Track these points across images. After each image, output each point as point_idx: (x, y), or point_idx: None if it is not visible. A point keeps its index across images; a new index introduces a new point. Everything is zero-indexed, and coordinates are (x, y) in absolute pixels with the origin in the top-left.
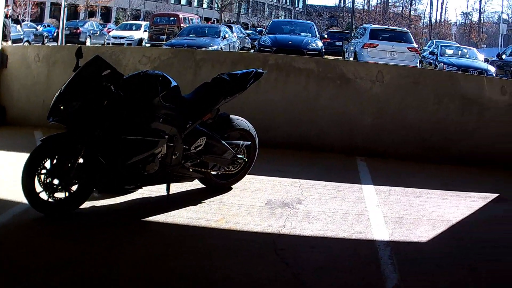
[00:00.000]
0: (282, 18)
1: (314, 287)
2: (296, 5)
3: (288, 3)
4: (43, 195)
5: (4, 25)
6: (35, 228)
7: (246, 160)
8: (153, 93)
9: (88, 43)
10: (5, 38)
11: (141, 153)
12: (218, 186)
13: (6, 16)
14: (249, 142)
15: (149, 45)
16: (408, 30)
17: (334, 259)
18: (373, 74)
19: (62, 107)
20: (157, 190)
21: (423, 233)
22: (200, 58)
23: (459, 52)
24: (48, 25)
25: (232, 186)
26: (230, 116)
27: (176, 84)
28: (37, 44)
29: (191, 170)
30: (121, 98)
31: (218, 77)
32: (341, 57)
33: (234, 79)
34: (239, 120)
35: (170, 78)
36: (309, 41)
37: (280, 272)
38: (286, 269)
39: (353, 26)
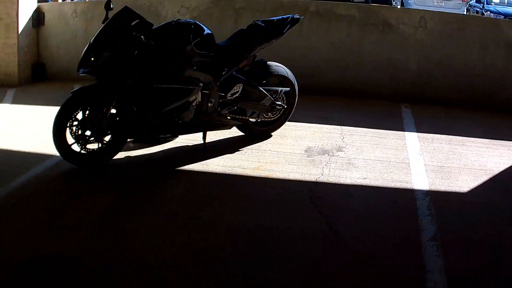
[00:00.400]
0: None
1: (348, 237)
2: None
3: None
4: (75, 147)
5: None
6: (68, 180)
7: (286, 106)
8: (185, 41)
9: None
10: None
11: (175, 101)
12: (257, 133)
13: None
14: (288, 89)
15: None
16: None
17: (370, 208)
18: (416, 20)
19: (92, 59)
20: (194, 139)
21: (464, 183)
22: (240, 6)
23: (505, 0)
24: None
25: (272, 134)
26: (268, 62)
27: (209, 31)
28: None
29: (228, 117)
30: (152, 48)
31: (253, 24)
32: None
33: (269, 25)
34: (277, 67)
35: (203, 26)
36: None
37: (315, 221)
38: (320, 218)
39: None
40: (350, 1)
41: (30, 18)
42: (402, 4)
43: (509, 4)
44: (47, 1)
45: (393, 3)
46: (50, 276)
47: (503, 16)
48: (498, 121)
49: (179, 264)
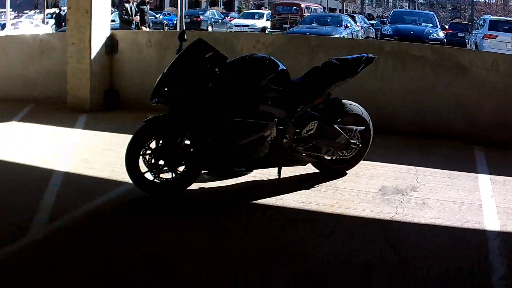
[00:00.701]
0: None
1: (420, 273)
2: None
3: None
4: (148, 176)
5: (143, 11)
6: (138, 208)
7: (360, 145)
8: (260, 75)
9: (209, 29)
10: (144, 24)
11: (249, 135)
12: (332, 170)
13: (144, 3)
14: (363, 128)
15: (272, 33)
16: None
17: (442, 247)
18: (489, 62)
19: (165, 89)
20: (269, 173)
21: None
22: (315, 44)
23: None
24: (168, 14)
25: (347, 172)
26: (343, 100)
27: (284, 67)
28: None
29: (303, 154)
30: (227, 80)
31: (328, 62)
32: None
33: (345, 64)
34: (352, 105)
35: (277, 62)
36: (430, 31)
37: (387, 256)
38: (393, 254)
39: (473, 18)
40: (425, 43)
41: (103, 45)
42: (476, 47)
43: None
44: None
45: (468, 46)
46: None
47: None
48: None
49: None
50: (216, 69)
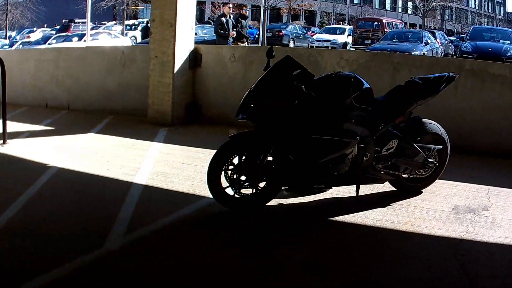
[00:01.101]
0: (485, 25)
1: None
2: (497, 13)
3: (489, 10)
4: (229, 191)
5: (242, 25)
6: (217, 222)
7: (437, 164)
8: (345, 94)
9: (291, 46)
10: (241, 39)
11: (331, 153)
12: (408, 189)
13: (244, 17)
14: (441, 147)
15: (353, 49)
16: None
17: (509, 265)
18: None
19: (252, 105)
20: (347, 191)
21: None
22: (397, 61)
23: None
24: (250, 27)
25: (423, 190)
26: (423, 119)
27: (368, 86)
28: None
29: (382, 172)
30: (312, 98)
31: (411, 80)
32: None
33: (426, 83)
34: (432, 124)
35: (362, 80)
36: (509, 48)
37: (456, 276)
38: (462, 273)
39: None
40: (502, 60)
41: (186, 58)
42: None
43: None
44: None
45: None
46: None
47: None
48: None
49: None
50: (303, 86)
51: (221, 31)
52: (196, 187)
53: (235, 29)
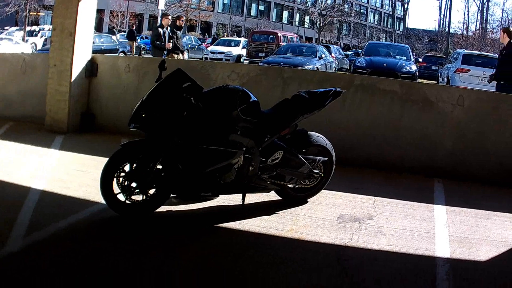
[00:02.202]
0: (383, 40)
1: None
2: (396, 28)
3: (389, 26)
4: (121, 197)
5: (177, 37)
6: (109, 227)
7: (323, 175)
8: (232, 106)
9: (185, 57)
10: (177, 50)
11: (218, 162)
12: (294, 198)
13: (179, 28)
14: (326, 158)
15: (247, 61)
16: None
17: (393, 272)
18: (455, 97)
19: (143, 115)
20: (234, 199)
21: (484, 253)
22: (288, 76)
23: None
24: (146, 37)
25: (308, 200)
26: (309, 132)
27: (255, 99)
28: (128, 56)
29: (268, 182)
30: (201, 110)
31: (297, 95)
32: (436, 81)
33: (313, 97)
34: (317, 137)
35: (249, 93)
36: (404, 64)
37: (339, 281)
38: (345, 279)
39: (448, 51)
40: (397, 76)
41: (83, 68)
42: (448, 81)
43: None
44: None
45: (440, 79)
46: None
47: None
48: None
49: None
50: (192, 98)
51: (157, 42)
52: (90, 193)
53: (171, 41)
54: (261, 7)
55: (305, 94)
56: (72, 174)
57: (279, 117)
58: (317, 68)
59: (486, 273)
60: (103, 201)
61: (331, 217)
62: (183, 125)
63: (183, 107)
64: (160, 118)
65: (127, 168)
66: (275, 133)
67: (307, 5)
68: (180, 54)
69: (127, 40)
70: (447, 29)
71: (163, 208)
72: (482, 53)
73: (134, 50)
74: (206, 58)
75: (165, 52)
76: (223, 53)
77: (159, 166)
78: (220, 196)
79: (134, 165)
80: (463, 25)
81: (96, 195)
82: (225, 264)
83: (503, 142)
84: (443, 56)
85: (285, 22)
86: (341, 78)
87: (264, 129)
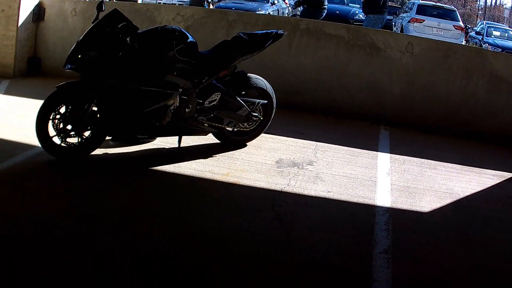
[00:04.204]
0: None
1: (300, 244)
2: None
3: None
4: (56, 140)
5: None
6: (45, 170)
7: (262, 118)
8: (168, 46)
9: (139, 1)
10: None
11: (153, 104)
12: (232, 142)
13: None
14: (266, 101)
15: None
16: (455, 8)
17: (329, 219)
18: (403, 45)
19: (79, 56)
20: (172, 142)
21: (427, 203)
22: (233, 19)
23: (506, 34)
24: None
25: (248, 144)
26: (248, 74)
27: (193, 40)
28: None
29: (205, 124)
30: (136, 50)
31: (237, 36)
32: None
33: (253, 38)
34: (257, 79)
35: (187, 34)
36: (357, 12)
37: (272, 227)
38: (278, 224)
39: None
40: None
41: (31, 12)
42: (402, 30)
43: (509, 38)
44: None
45: (394, 29)
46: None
47: (501, 49)
48: (474, 150)
49: (140, 252)
50: (127, 39)
51: None
52: (29, 137)
53: None
54: None
55: (245, 36)
56: (12, 118)
57: (217, 58)
58: (269, 13)
59: (428, 225)
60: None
61: (269, 162)
62: (118, 65)
63: (118, 47)
64: (94, 58)
65: (62, 110)
66: (213, 75)
67: None
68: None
69: None
70: None
71: (99, 151)
72: (438, 4)
73: None
74: (159, 2)
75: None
76: None
77: (95, 108)
78: (158, 139)
79: (70, 107)
80: None
81: (34, 139)
82: (157, 206)
83: (453, 92)
84: (398, 6)
85: None
86: (286, 22)
87: (202, 70)
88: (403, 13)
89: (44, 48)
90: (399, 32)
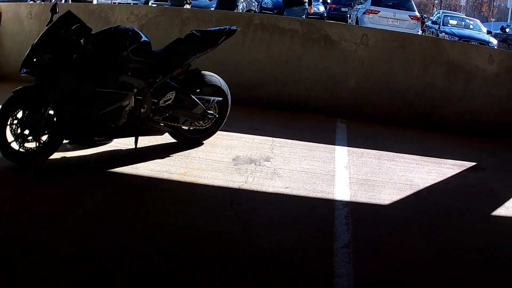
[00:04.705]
0: None
1: (261, 242)
2: None
3: None
4: (14, 145)
5: None
6: (3, 177)
7: (217, 116)
8: (121, 47)
9: (94, 1)
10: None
11: (108, 105)
12: (189, 140)
13: None
14: (221, 98)
15: (155, 5)
16: None
17: (288, 215)
18: (358, 36)
19: (34, 59)
20: (129, 143)
21: (387, 196)
22: (187, 16)
23: (463, 23)
24: None
25: (204, 142)
26: (202, 72)
27: (146, 39)
28: (30, 2)
29: (161, 124)
30: (90, 52)
31: (190, 33)
32: (345, 23)
33: (206, 35)
34: (211, 76)
35: (141, 33)
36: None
37: (231, 225)
38: (237, 222)
39: None
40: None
41: None
42: (356, 22)
43: (466, 27)
44: None
45: (349, 21)
46: None
47: (457, 38)
48: (432, 140)
49: (96, 257)
50: (81, 40)
51: None
52: None
53: None
54: None
55: (198, 33)
56: None
57: (171, 56)
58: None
59: (388, 217)
60: None
61: (226, 159)
62: (73, 68)
63: (72, 49)
64: (49, 61)
65: (19, 115)
66: (168, 73)
67: None
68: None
69: None
70: None
71: (57, 155)
72: None
73: None
74: (114, 2)
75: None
76: None
77: (52, 112)
78: (115, 140)
79: (26, 111)
80: None
81: None
82: (115, 209)
83: (410, 82)
84: None
85: None
86: (240, 18)
87: (156, 70)
88: (358, 4)
89: (1, 53)
90: (354, 24)
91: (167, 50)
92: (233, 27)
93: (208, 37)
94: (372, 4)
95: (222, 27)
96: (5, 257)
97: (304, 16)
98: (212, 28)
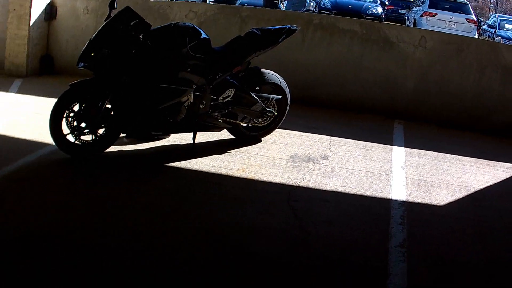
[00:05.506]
0: None
1: (318, 239)
2: None
3: None
4: (70, 138)
5: None
6: (60, 169)
7: (276, 113)
8: (181, 43)
9: None
10: None
11: (167, 100)
12: (247, 137)
13: None
14: (280, 96)
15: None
16: (467, 2)
17: (344, 214)
18: (416, 38)
19: (92, 54)
20: (186, 138)
21: (442, 197)
22: (246, 14)
23: None
24: None
25: (262, 139)
26: (262, 70)
27: (206, 36)
28: None
29: (219, 120)
30: (149, 47)
31: (250, 32)
32: (403, 25)
33: (266, 34)
34: (271, 75)
35: (200, 30)
36: (369, 6)
37: (288, 222)
38: (294, 220)
39: None
40: (362, 18)
41: (42, 11)
42: (414, 24)
43: None
44: None
45: (407, 22)
46: (38, 252)
47: None
48: (488, 143)
49: (157, 251)
50: (140, 36)
51: None
52: (44, 135)
53: None
54: None
55: (258, 31)
56: (27, 116)
57: (231, 54)
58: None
59: (443, 218)
60: (53, 143)
61: (284, 157)
62: (132, 63)
63: (131, 45)
64: (107, 56)
65: (76, 108)
66: (227, 71)
67: None
68: None
69: None
70: None
71: (113, 148)
72: None
73: None
74: None
75: None
76: None
77: (109, 106)
78: (172, 135)
79: (83, 105)
80: None
81: (48, 137)
82: (173, 204)
83: (467, 85)
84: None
85: None
86: (299, 17)
87: (215, 67)
88: (416, 7)
89: (57, 47)
90: (411, 26)
91: (226, 48)
92: (293, 26)
93: (268, 35)
94: (429, 7)
95: (282, 26)
96: (55, 251)
97: (303, 9)
98: (272, 27)
